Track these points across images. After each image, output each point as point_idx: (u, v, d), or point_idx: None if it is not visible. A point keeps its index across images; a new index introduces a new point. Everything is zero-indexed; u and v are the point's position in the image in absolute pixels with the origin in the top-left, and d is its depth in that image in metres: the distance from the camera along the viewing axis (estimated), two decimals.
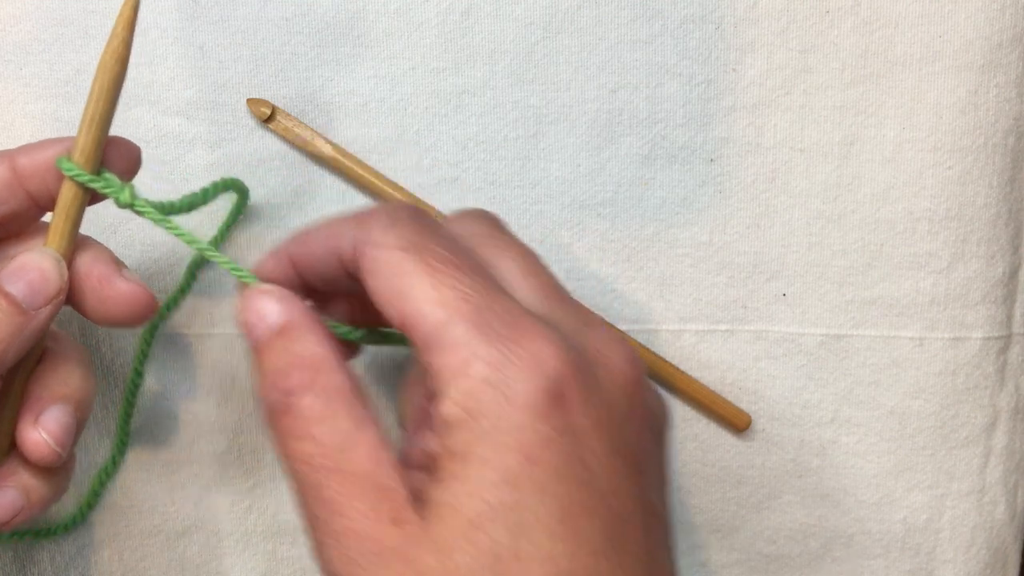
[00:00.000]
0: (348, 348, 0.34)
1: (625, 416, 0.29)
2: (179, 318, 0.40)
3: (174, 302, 0.40)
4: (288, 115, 0.39)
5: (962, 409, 0.41)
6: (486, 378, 0.27)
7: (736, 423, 0.41)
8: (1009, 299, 0.41)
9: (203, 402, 0.41)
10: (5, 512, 0.33)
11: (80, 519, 0.40)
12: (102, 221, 0.39)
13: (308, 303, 0.31)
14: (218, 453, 0.41)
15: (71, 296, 0.33)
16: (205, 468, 0.41)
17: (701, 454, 0.42)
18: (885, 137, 0.40)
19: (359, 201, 0.40)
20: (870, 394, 0.41)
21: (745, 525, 0.42)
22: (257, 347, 0.30)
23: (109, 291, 0.32)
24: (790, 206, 0.41)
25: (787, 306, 0.41)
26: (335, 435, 0.29)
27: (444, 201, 0.40)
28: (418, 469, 0.29)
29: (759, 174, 0.41)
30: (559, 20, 0.40)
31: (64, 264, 0.32)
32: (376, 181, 0.39)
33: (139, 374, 0.40)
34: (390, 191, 0.39)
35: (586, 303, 0.40)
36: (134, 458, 0.41)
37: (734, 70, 0.40)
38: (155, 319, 0.40)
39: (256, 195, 0.40)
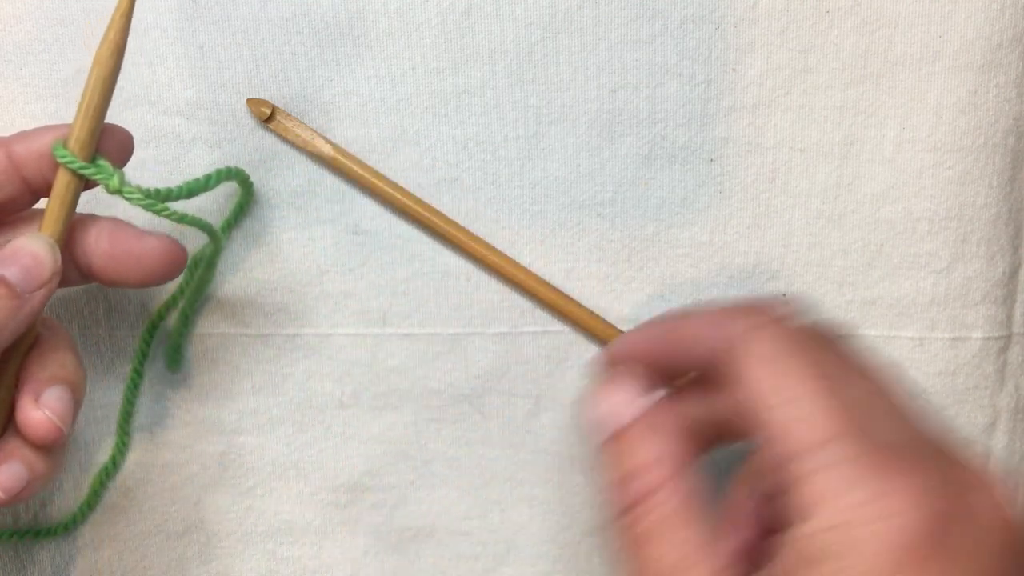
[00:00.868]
0: (705, 440, 0.32)
1: (1002, 572, 0.26)
2: (179, 317, 0.40)
3: (174, 302, 0.40)
4: (288, 115, 0.39)
5: (962, 409, 0.41)
6: (867, 510, 0.25)
7: None
8: (1009, 299, 0.41)
9: (203, 402, 0.41)
10: (12, 483, 0.33)
11: (80, 519, 0.40)
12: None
13: (662, 393, 0.30)
14: (218, 453, 0.41)
15: (89, 269, 0.33)
16: (205, 468, 0.41)
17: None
18: (885, 137, 0.40)
19: (359, 201, 0.40)
20: None
21: None
22: (606, 442, 0.30)
23: (132, 248, 0.33)
24: (790, 206, 0.41)
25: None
26: (671, 554, 0.28)
27: (444, 201, 0.40)
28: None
29: (759, 174, 0.41)
30: (559, 20, 0.40)
31: (58, 249, 0.32)
32: (376, 181, 0.39)
33: (139, 374, 0.40)
34: (390, 191, 0.39)
35: (586, 303, 0.40)
36: (134, 458, 0.41)
37: (734, 70, 0.40)
38: (154, 318, 0.40)
39: (256, 196, 0.40)
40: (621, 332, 0.40)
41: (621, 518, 0.29)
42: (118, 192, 0.33)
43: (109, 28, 0.32)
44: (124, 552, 0.41)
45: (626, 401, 0.30)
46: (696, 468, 0.29)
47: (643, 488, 0.28)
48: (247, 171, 0.39)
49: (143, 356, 0.40)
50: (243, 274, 0.40)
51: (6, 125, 0.39)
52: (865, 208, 0.41)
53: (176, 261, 0.34)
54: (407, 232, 0.40)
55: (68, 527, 0.40)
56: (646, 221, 0.41)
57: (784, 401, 0.27)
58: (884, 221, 0.41)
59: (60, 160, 0.32)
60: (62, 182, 0.33)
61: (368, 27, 0.39)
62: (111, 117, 0.39)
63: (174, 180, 0.39)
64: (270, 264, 0.40)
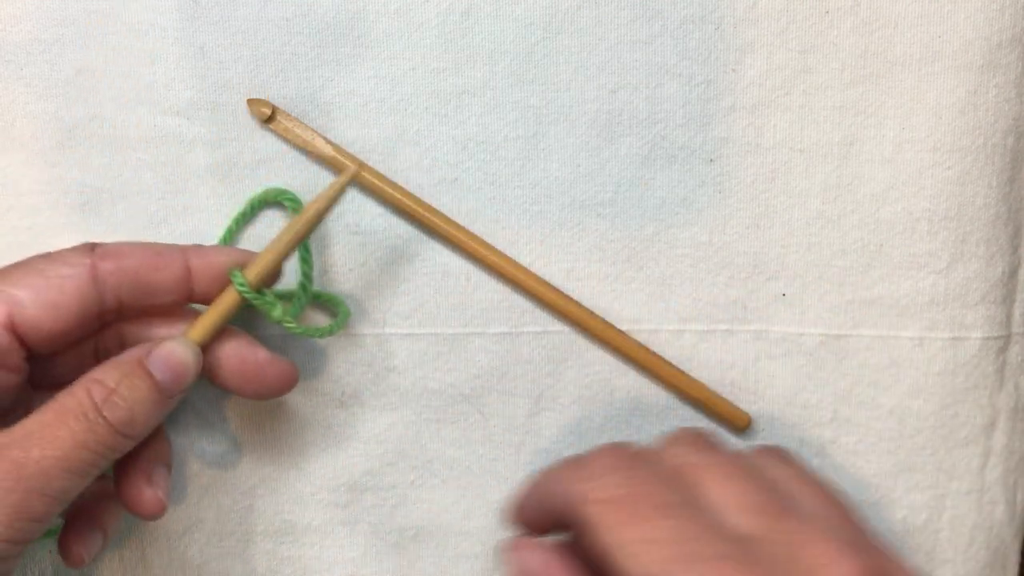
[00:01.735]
0: None
1: None
2: None
3: None
4: (288, 115, 0.39)
5: (961, 409, 0.41)
6: None
7: (736, 423, 0.41)
8: (1008, 299, 0.42)
9: (204, 402, 0.41)
10: (90, 552, 0.36)
11: None
12: (101, 220, 0.40)
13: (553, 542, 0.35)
14: (218, 453, 0.41)
15: (213, 374, 0.36)
16: (205, 468, 0.41)
17: None
18: (884, 137, 0.40)
19: (359, 201, 0.40)
20: (869, 394, 0.41)
21: None
22: None
23: (262, 369, 0.36)
24: (790, 206, 0.41)
25: (787, 306, 0.41)
26: None
27: (444, 201, 0.40)
28: None
29: (759, 174, 0.41)
30: (559, 20, 0.40)
31: (201, 358, 0.35)
32: (376, 181, 0.39)
33: None
34: (390, 191, 0.39)
35: (586, 303, 0.40)
36: None
37: (734, 70, 0.40)
38: None
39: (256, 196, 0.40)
40: (621, 332, 0.40)
41: None
42: (279, 322, 0.36)
43: (321, 197, 0.35)
44: (124, 552, 0.41)
45: (533, 556, 0.34)
46: None
47: None
48: (248, 171, 0.39)
49: None
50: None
51: (7, 125, 0.39)
52: (864, 208, 0.41)
53: (293, 382, 0.37)
54: (407, 232, 0.40)
55: None
56: (646, 221, 0.41)
57: (621, 553, 0.30)
58: (884, 221, 0.41)
59: (237, 287, 0.35)
60: (227, 302, 0.35)
61: (368, 27, 0.39)
62: (110, 116, 0.40)
63: (175, 180, 0.40)
64: None
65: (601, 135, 0.40)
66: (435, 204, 0.40)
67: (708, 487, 0.32)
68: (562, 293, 0.40)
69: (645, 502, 0.31)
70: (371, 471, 0.41)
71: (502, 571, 0.42)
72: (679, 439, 0.35)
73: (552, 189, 0.40)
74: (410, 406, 0.41)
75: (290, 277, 0.39)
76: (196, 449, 0.41)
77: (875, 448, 0.42)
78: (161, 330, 0.36)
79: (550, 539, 0.35)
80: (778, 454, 0.35)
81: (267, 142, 0.40)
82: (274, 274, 0.36)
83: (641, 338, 0.41)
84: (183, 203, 0.40)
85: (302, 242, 0.36)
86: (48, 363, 0.36)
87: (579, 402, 0.41)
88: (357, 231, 0.40)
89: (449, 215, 0.40)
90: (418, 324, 0.41)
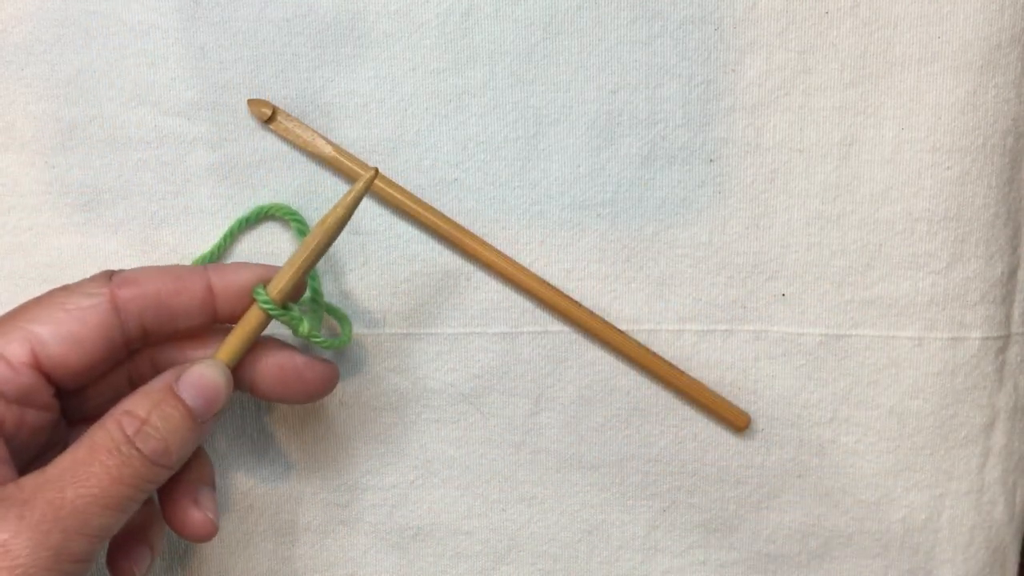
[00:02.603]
0: None
1: None
2: None
3: None
4: (289, 116, 0.39)
5: (961, 409, 0.42)
6: None
7: (735, 423, 0.41)
8: (1008, 299, 0.42)
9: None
10: (140, 568, 0.36)
11: None
12: (102, 220, 0.40)
13: None
14: (218, 453, 0.41)
15: (253, 386, 0.36)
16: None
17: (700, 453, 0.42)
18: (884, 138, 0.40)
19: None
20: (869, 394, 0.41)
21: (744, 524, 0.42)
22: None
23: (303, 375, 0.36)
24: (789, 206, 0.41)
25: (786, 306, 0.41)
26: None
27: (444, 201, 0.40)
28: None
29: (758, 174, 0.41)
30: (559, 21, 0.40)
31: (232, 380, 0.34)
32: (377, 182, 0.39)
33: None
34: (391, 192, 0.39)
35: (586, 303, 0.40)
36: None
37: (733, 71, 0.40)
38: None
39: (257, 196, 0.40)
40: (621, 332, 0.40)
41: None
42: (305, 337, 0.36)
43: (340, 205, 0.34)
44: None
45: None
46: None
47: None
48: (248, 171, 0.39)
49: None
50: None
51: (7, 126, 0.39)
52: (864, 208, 0.41)
53: (334, 382, 0.37)
54: (407, 232, 0.40)
55: None
56: (646, 221, 0.41)
57: None
58: (883, 221, 0.41)
59: (261, 305, 0.34)
60: (252, 320, 0.35)
61: (369, 28, 0.39)
62: (110, 116, 0.40)
63: (175, 181, 0.40)
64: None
65: (601, 135, 0.40)
66: (435, 204, 0.40)
67: None
68: (562, 293, 0.40)
69: None
70: (371, 471, 0.41)
71: (502, 571, 0.42)
72: None
73: (552, 189, 0.40)
74: (410, 406, 0.41)
75: None
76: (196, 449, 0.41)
77: (875, 448, 0.42)
78: (193, 351, 0.36)
79: None
80: None
81: (267, 142, 0.40)
82: (299, 288, 0.36)
83: (641, 338, 0.41)
84: (183, 203, 0.40)
85: (325, 251, 0.35)
86: (80, 396, 0.35)
87: (579, 402, 0.41)
88: (357, 231, 0.40)
89: (449, 215, 0.40)
90: (418, 324, 0.41)
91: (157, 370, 0.35)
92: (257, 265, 0.36)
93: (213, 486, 0.36)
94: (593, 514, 0.42)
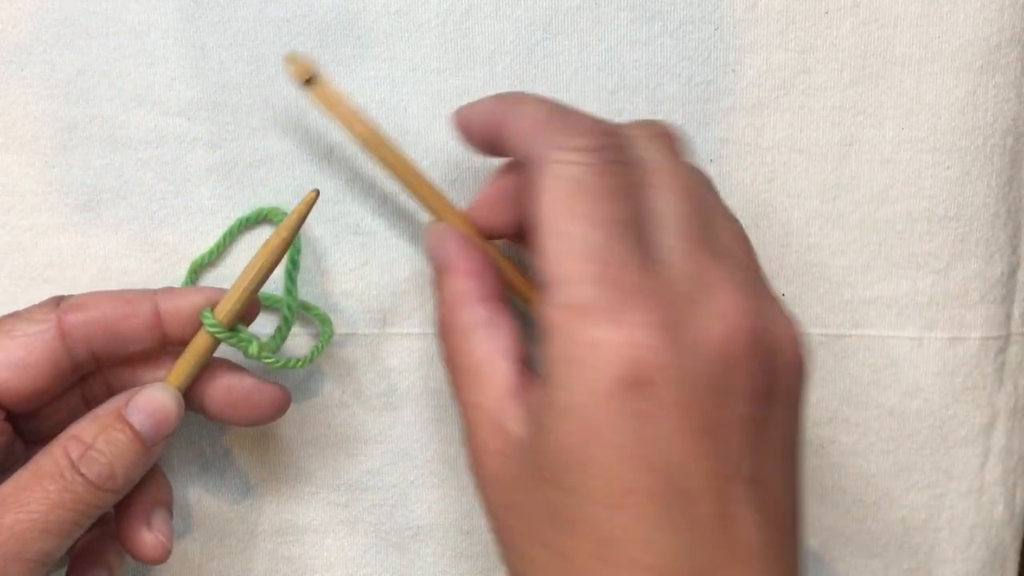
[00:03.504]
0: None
1: (715, 388, 0.29)
2: None
3: None
4: (330, 83, 0.36)
5: (960, 409, 0.42)
6: (579, 351, 0.28)
7: None
8: (1008, 299, 0.42)
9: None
10: None
11: None
12: (102, 220, 0.40)
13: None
14: (218, 453, 0.41)
15: (203, 407, 0.36)
16: (205, 468, 0.41)
17: None
18: (884, 137, 0.40)
19: (359, 201, 0.40)
20: (869, 394, 0.41)
21: None
22: (439, 271, 0.35)
23: (251, 397, 0.36)
24: (789, 206, 0.41)
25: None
26: (477, 352, 0.33)
27: None
28: None
29: (758, 174, 0.41)
30: (559, 21, 0.40)
31: (183, 403, 0.35)
32: (408, 173, 0.36)
33: None
34: (419, 185, 0.37)
35: None
36: None
37: (733, 71, 0.40)
38: None
39: (257, 196, 0.40)
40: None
41: (441, 319, 0.34)
42: (255, 358, 0.36)
43: (283, 227, 0.34)
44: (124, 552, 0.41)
45: (456, 250, 0.35)
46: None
47: (459, 302, 0.33)
48: (248, 171, 0.39)
49: None
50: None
51: (7, 126, 0.39)
52: (864, 208, 0.41)
53: (284, 406, 0.37)
54: (407, 232, 0.40)
55: None
56: None
57: (554, 235, 0.30)
58: (883, 221, 0.41)
59: (208, 328, 0.34)
60: (201, 344, 0.35)
61: (369, 28, 0.39)
62: (110, 116, 0.40)
63: (176, 181, 0.40)
64: None
65: None
66: None
67: (657, 194, 0.31)
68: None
69: (593, 199, 0.30)
70: (371, 471, 0.41)
71: (502, 571, 0.42)
72: (651, 130, 0.34)
73: None
74: (410, 406, 0.41)
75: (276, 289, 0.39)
76: (196, 449, 0.41)
77: (874, 448, 0.42)
78: (146, 374, 0.36)
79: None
80: (705, 177, 0.34)
81: (267, 142, 0.40)
82: (250, 309, 0.36)
83: None
84: (183, 203, 0.40)
85: (270, 273, 0.35)
86: (36, 418, 0.35)
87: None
88: (357, 231, 0.40)
89: None
90: (418, 324, 0.41)
91: (111, 392, 0.36)
92: (206, 288, 0.36)
93: (169, 508, 0.36)
94: None
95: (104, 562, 0.36)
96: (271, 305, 0.39)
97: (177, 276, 0.40)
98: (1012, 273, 0.42)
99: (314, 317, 0.40)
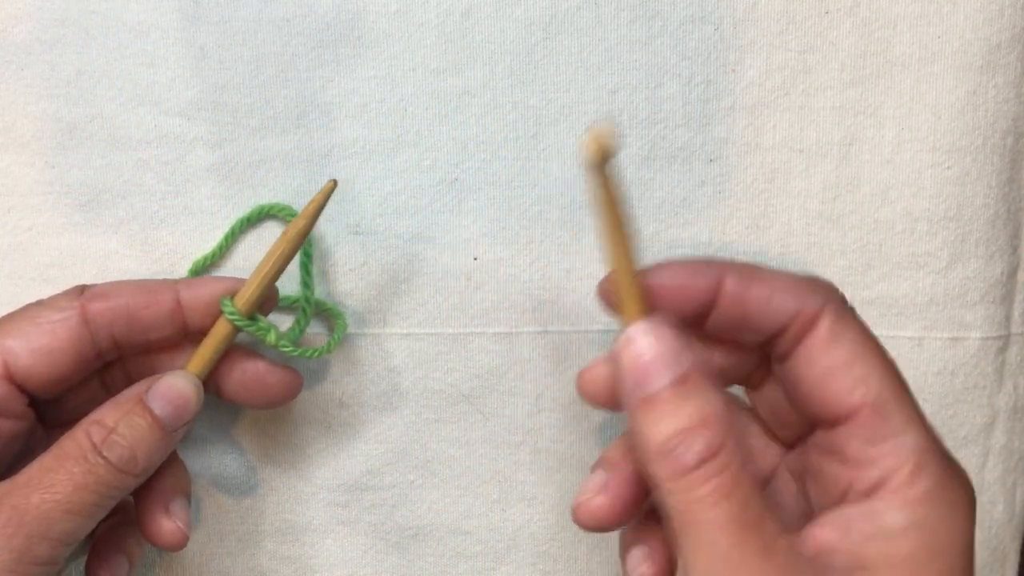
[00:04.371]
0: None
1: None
2: None
3: None
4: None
5: (961, 409, 0.42)
6: (940, 495, 0.28)
7: None
8: (1008, 299, 0.42)
9: (204, 402, 0.41)
10: (118, 573, 0.37)
11: None
12: (102, 220, 0.40)
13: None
14: (219, 453, 0.41)
15: (219, 390, 0.37)
16: (205, 468, 0.41)
17: None
18: (884, 137, 0.40)
19: (359, 201, 0.40)
20: None
21: None
22: (647, 399, 0.29)
23: (265, 380, 0.37)
24: (789, 206, 0.41)
25: None
26: (746, 512, 0.27)
27: (444, 201, 0.40)
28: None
29: (758, 174, 0.41)
30: (559, 21, 0.40)
31: (202, 389, 0.35)
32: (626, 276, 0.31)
33: None
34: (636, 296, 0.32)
35: (586, 303, 0.40)
36: None
37: (733, 71, 0.40)
38: None
39: (257, 196, 0.40)
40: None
41: (689, 478, 0.27)
42: (274, 347, 0.37)
43: (302, 216, 0.35)
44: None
45: (674, 353, 0.28)
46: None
47: (713, 444, 0.27)
48: (248, 171, 0.39)
49: None
50: (244, 275, 0.40)
51: (7, 126, 0.39)
52: (864, 208, 0.41)
53: (297, 388, 0.38)
54: (407, 232, 0.40)
55: None
56: (646, 221, 0.41)
57: (858, 381, 0.29)
58: (883, 221, 0.41)
59: (228, 316, 0.35)
60: (221, 331, 0.36)
61: (368, 28, 0.39)
62: (110, 116, 0.40)
63: (176, 181, 0.40)
64: None
65: None
66: (435, 204, 0.40)
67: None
68: None
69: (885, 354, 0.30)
70: (371, 471, 0.41)
71: (502, 571, 0.42)
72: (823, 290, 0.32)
73: (552, 189, 0.40)
74: (410, 406, 0.41)
75: (293, 286, 0.39)
76: (196, 449, 0.41)
77: None
78: (165, 362, 0.37)
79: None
80: None
81: (267, 142, 0.40)
82: (269, 298, 0.36)
83: None
84: (183, 203, 0.40)
85: (289, 262, 0.36)
86: (57, 404, 0.36)
87: (579, 402, 0.41)
88: (357, 231, 0.40)
89: (449, 215, 0.40)
90: (418, 324, 0.41)
91: (131, 379, 0.36)
92: (225, 278, 0.37)
93: (187, 497, 0.37)
94: None
95: (124, 549, 0.37)
96: (286, 305, 0.39)
97: (177, 276, 0.40)
98: (1012, 273, 0.42)
99: (327, 312, 0.40)
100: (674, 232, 0.41)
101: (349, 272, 0.40)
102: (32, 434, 0.35)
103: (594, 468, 0.33)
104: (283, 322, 0.40)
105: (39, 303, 0.35)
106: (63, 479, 0.32)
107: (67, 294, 0.35)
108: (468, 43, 0.40)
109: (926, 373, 0.41)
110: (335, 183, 0.35)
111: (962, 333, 0.41)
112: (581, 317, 0.41)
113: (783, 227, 0.41)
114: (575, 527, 0.42)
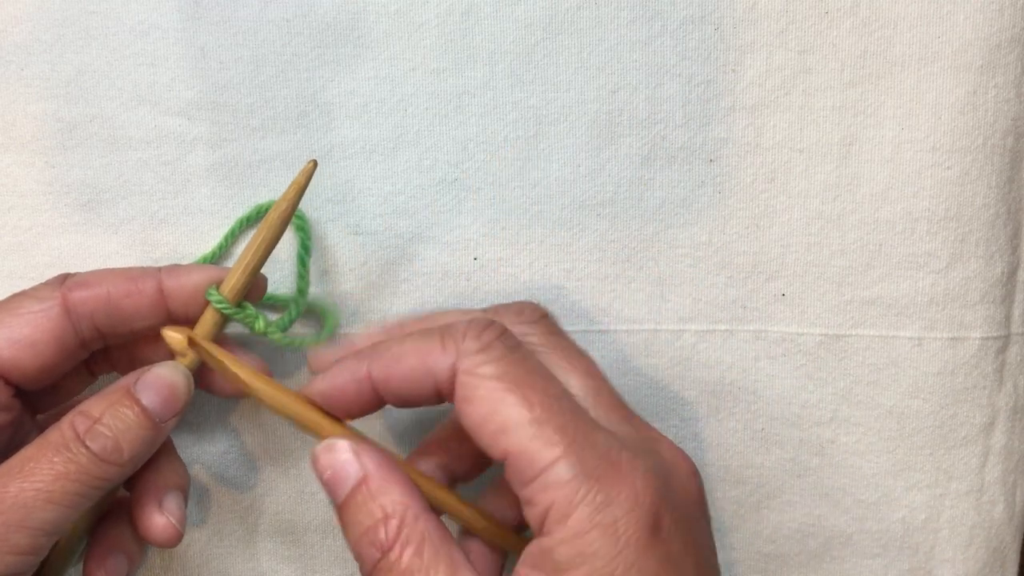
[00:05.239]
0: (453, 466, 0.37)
1: (698, 521, 0.32)
2: None
3: None
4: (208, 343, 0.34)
5: (961, 409, 0.42)
6: (595, 521, 0.29)
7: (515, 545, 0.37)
8: (1008, 299, 0.42)
9: (204, 402, 0.41)
10: (117, 572, 0.36)
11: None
12: (102, 220, 0.40)
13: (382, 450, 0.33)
14: (218, 453, 0.41)
15: (208, 385, 0.37)
16: (205, 468, 0.41)
17: (700, 454, 0.42)
18: (884, 137, 0.40)
19: (359, 201, 0.40)
20: (869, 394, 0.41)
21: (744, 524, 0.42)
22: (340, 504, 0.33)
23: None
24: (789, 206, 0.41)
25: (786, 306, 0.41)
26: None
27: (444, 201, 0.40)
28: None
29: (758, 174, 0.41)
30: (559, 21, 0.40)
31: (192, 380, 0.35)
32: (300, 409, 0.34)
33: None
34: (319, 420, 0.34)
35: (586, 303, 0.40)
36: None
37: (733, 71, 0.40)
38: None
39: (257, 196, 0.40)
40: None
41: (379, 571, 0.31)
42: (262, 334, 0.36)
43: (282, 200, 0.35)
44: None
45: (360, 455, 0.33)
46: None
47: (393, 531, 0.31)
48: (248, 171, 0.39)
49: None
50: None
51: (7, 125, 0.39)
52: (864, 208, 0.41)
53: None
54: (407, 232, 0.40)
55: None
56: (646, 221, 0.41)
57: (510, 430, 0.31)
58: (883, 221, 0.41)
59: (215, 305, 0.35)
60: (208, 320, 0.35)
61: (368, 28, 0.39)
62: (110, 116, 0.40)
63: (176, 181, 0.40)
64: (271, 264, 0.40)
65: (601, 135, 0.40)
66: (435, 204, 0.40)
67: (568, 379, 0.33)
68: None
69: (532, 389, 0.31)
70: None
71: (502, 571, 0.42)
72: (527, 316, 0.35)
73: (552, 189, 0.40)
74: None
75: (290, 282, 0.39)
76: (196, 449, 0.41)
77: (874, 448, 0.42)
78: (152, 352, 0.36)
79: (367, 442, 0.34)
80: (587, 353, 0.36)
81: (267, 142, 0.40)
82: (256, 286, 0.36)
83: (641, 338, 0.41)
84: (183, 203, 0.40)
85: (273, 248, 0.35)
86: (46, 397, 0.36)
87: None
88: (357, 231, 0.40)
89: (449, 215, 0.40)
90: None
91: (116, 368, 0.36)
92: (209, 267, 0.37)
93: (184, 493, 0.36)
94: None
95: (123, 548, 0.37)
96: (281, 304, 0.39)
97: None
98: (1012, 273, 0.42)
99: (320, 311, 0.40)
100: (674, 232, 0.41)
101: (349, 272, 0.40)
102: (21, 426, 0.35)
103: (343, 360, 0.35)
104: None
105: (21, 293, 0.35)
106: (44, 468, 0.32)
107: (49, 284, 0.35)
108: (468, 43, 0.40)
109: (926, 373, 0.41)
110: (315, 163, 0.35)
111: (962, 333, 0.41)
112: (581, 317, 0.41)
113: (783, 227, 0.41)
114: None
